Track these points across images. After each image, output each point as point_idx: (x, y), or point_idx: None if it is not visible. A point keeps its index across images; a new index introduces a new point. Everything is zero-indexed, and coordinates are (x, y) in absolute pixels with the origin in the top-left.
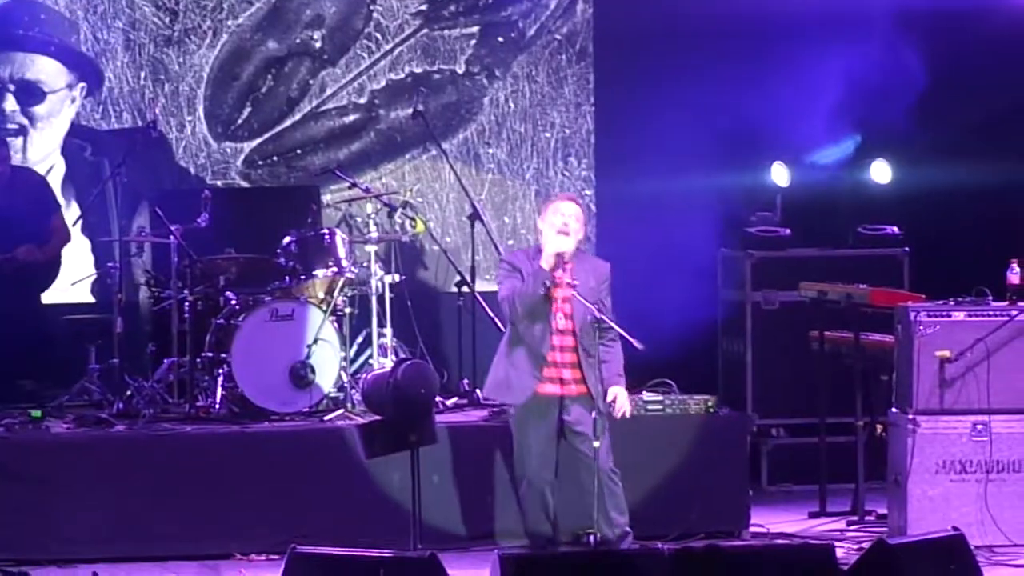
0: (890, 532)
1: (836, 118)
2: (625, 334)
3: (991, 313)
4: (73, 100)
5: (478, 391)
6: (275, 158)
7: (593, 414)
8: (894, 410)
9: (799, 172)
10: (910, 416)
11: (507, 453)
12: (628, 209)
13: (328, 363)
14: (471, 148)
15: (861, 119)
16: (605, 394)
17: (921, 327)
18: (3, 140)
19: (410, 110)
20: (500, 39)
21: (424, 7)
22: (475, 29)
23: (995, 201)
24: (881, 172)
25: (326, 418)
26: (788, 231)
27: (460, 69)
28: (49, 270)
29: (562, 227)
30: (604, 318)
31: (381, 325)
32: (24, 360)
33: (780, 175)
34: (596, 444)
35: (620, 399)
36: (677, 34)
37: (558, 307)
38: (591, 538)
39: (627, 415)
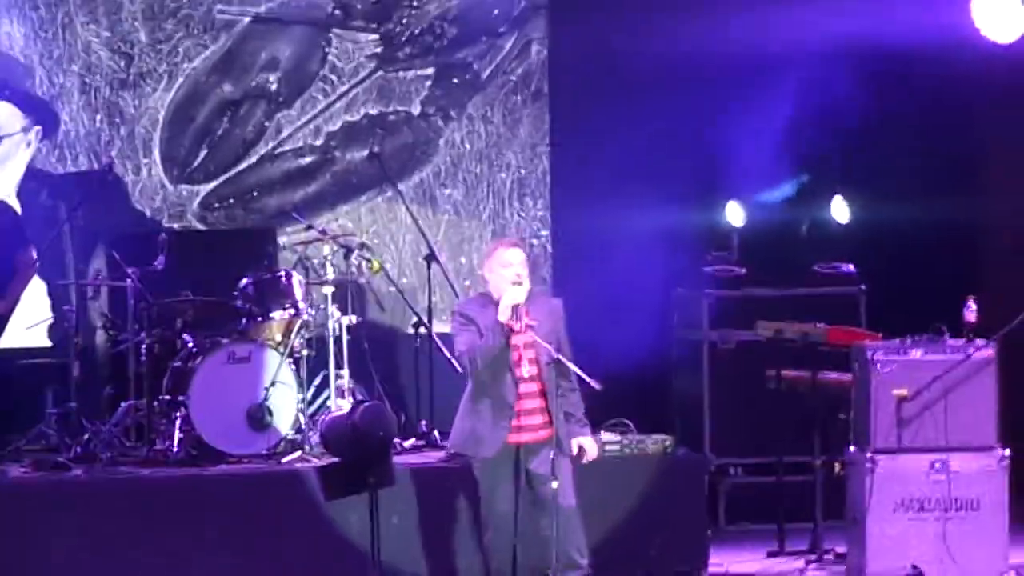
0: (849, 571)
1: (789, 156)
2: (583, 375)
3: (948, 351)
4: (28, 144)
5: (436, 432)
6: (231, 200)
7: (551, 454)
8: (852, 449)
9: (754, 211)
10: (868, 455)
11: (467, 494)
12: (584, 248)
13: (286, 405)
14: (427, 189)
15: (816, 156)
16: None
17: (878, 365)
18: None
19: (366, 152)
20: (455, 80)
21: (379, 49)
22: (430, 71)
23: (952, 239)
24: (839, 210)
25: (284, 460)
26: (744, 270)
27: (416, 110)
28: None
29: (515, 278)
30: (562, 359)
31: (339, 367)
32: None
33: (735, 214)
34: (554, 485)
35: (588, 448)
36: (631, 74)
37: (521, 356)
38: None
39: (594, 459)
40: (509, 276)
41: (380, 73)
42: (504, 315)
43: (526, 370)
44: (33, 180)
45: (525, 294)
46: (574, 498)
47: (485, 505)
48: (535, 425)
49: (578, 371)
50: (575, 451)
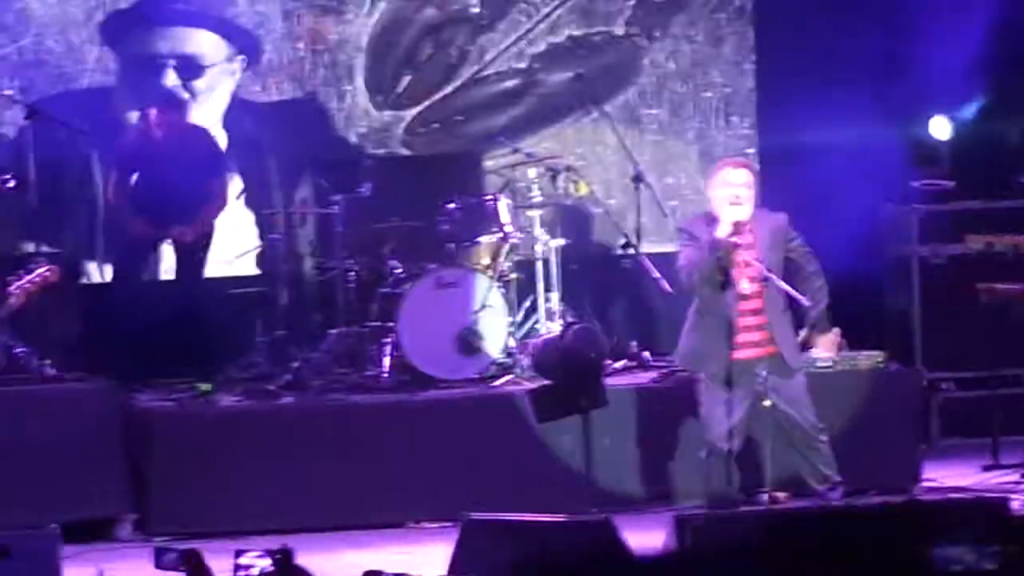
0: None
1: (995, 66)
2: (792, 291)
3: None
4: (233, 73)
5: (646, 353)
6: (436, 125)
7: (764, 372)
8: None
9: (960, 124)
10: None
11: (680, 414)
12: (791, 165)
13: (495, 329)
14: (632, 110)
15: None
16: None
17: None
18: (176, 102)
19: (570, 74)
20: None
21: None
22: None
23: None
24: None
25: (495, 384)
26: (952, 184)
27: (619, 31)
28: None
29: (733, 199)
30: (771, 276)
31: (547, 290)
32: (191, 334)
33: (941, 128)
34: (766, 403)
35: (825, 343)
36: None
37: (740, 272)
38: (765, 496)
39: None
40: (727, 196)
41: None
42: (723, 231)
43: (746, 286)
44: (238, 110)
45: (746, 213)
46: (814, 415)
47: (706, 423)
48: (755, 341)
49: (786, 287)
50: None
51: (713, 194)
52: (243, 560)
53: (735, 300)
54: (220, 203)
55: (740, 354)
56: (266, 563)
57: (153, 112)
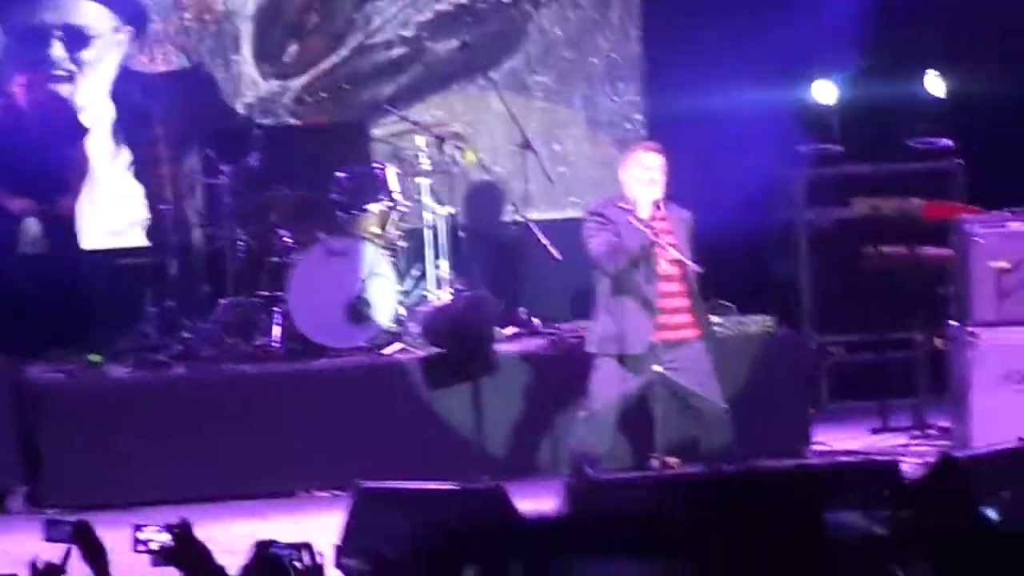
0: (954, 445)
1: (881, 32)
2: (691, 264)
3: None
4: (119, 44)
5: (535, 319)
6: (323, 95)
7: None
8: (953, 323)
9: (846, 88)
10: (969, 328)
11: (569, 381)
12: (678, 132)
13: (385, 298)
14: (519, 77)
15: (909, 31)
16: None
17: (977, 238)
18: (43, 71)
19: (456, 42)
20: None
21: None
22: None
23: None
24: (934, 85)
25: (385, 352)
26: (839, 148)
27: None
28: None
29: (650, 180)
30: (696, 268)
31: (436, 258)
32: (80, 306)
33: (826, 92)
34: (658, 368)
35: None
36: None
37: (660, 253)
38: (656, 462)
39: None
40: (644, 177)
41: None
42: (644, 212)
43: (665, 267)
44: (125, 81)
45: (660, 193)
46: (720, 397)
47: (595, 394)
48: (677, 324)
49: (687, 261)
50: None
51: (627, 176)
52: (142, 535)
53: (656, 282)
54: (84, 171)
55: (660, 335)
56: (165, 537)
57: (19, 81)
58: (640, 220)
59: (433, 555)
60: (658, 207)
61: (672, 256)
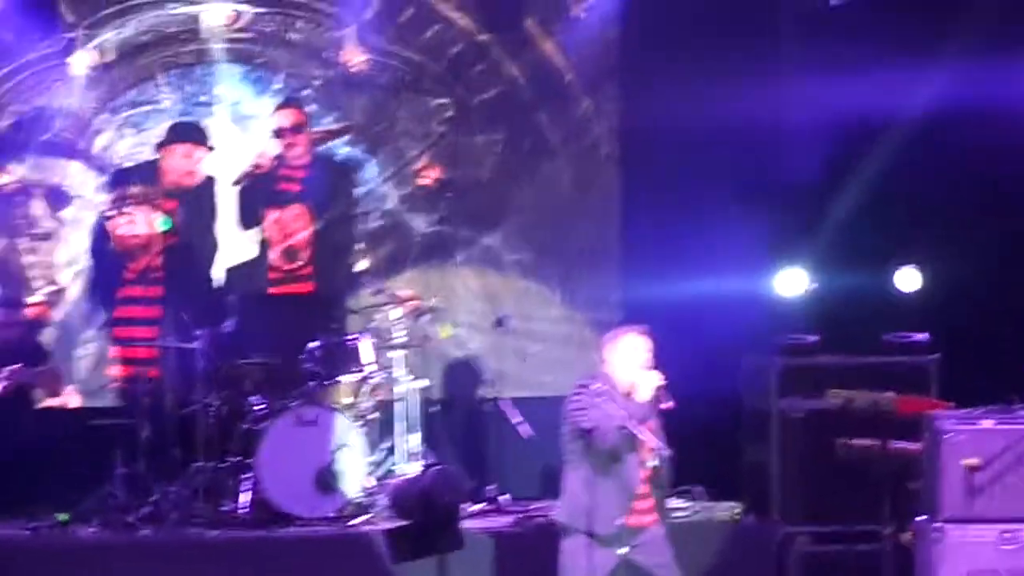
0: None
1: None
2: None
3: (1020, 421)
4: (100, 204)
5: (504, 497)
6: (301, 263)
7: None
8: (921, 518)
9: (824, 278)
10: (937, 524)
11: (536, 559)
12: (654, 314)
13: (354, 468)
14: (495, 254)
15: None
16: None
17: (948, 435)
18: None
19: (436, 216)
20: (526, 145)
21: (450, 113)
22: (501, 136)
23: None
24: (908, 279)
25: (352, 523)
26: (815, 338)
27: (485, 175)
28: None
29: (645, 363)
30: (667, 452)
31: (407, 430)
32: (48, 463)
33: (798, 282)
34: (622, 551)
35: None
36: (697, 139)
37: (650, 442)
38: None
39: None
40: (641, 361)
41: (451, 137)
42: (647, 395)
43: (650, 461)
44: (104, 240)
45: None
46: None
47: (566, 569)
48: (646, 508)
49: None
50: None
51: (617, 359)
52: None
53: (639, 471)
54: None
55: (631, 520)
56: None
57: None
58: (642, 406)
59: None
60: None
61: (650, 443)
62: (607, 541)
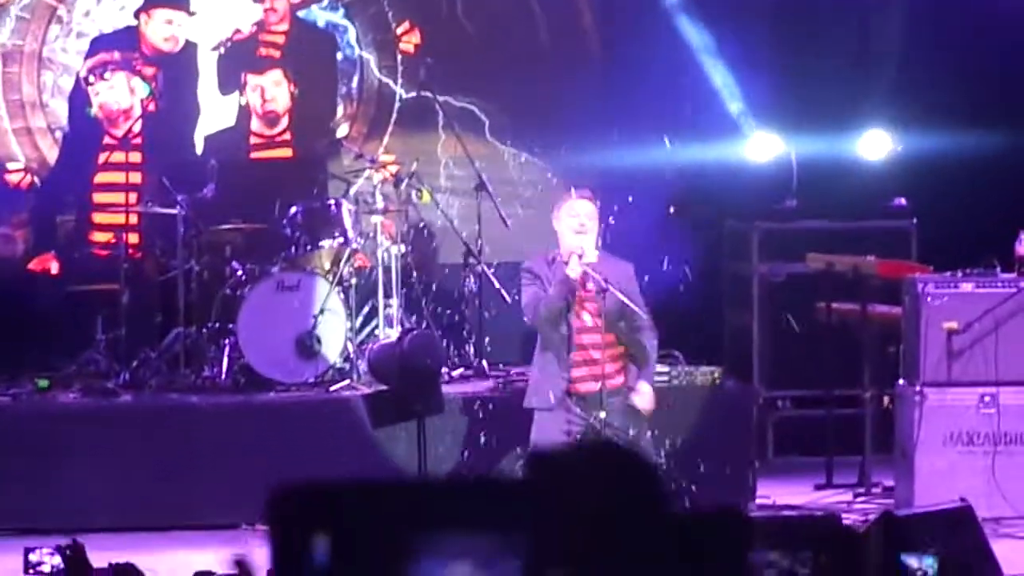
0: (897, 504)
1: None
2: (637, 309)
3: (1000, 284)
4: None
5: (484, 362)
6: (281, 128)
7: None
8: (901, 382)
9: (800, 142)
10: (917, 388)
11: (514, 423)
12: (634, 180)
13: (334, 333)
14: (478, 119)
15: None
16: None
17: (929, 298)
18: None
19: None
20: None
21: None
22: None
23: (1004, 171)
24: (876, 144)
25: (332, 388)
26: (795, 203)
27: (465, 41)
28: None
29: (579, 227)
30: (636, 309)
31: (387, 296)
32: (30, 330)
33: (778, 146)
34: (601, 414)
35: (639, 399)
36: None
37: (583, 307)
38: None
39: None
40: (572, 224)
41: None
42: (574, 271)
43: (588, 319)
44: (83, 96)
45: (590, 243)
46: (653, 454)
47: (535, 439)
48: (597, 375)
49: (635, 307)
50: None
51: (558, 225)
52: (33, 557)
53: (575, 335)
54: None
55: (580, 387)
56: (56, 560)
57: None
58: (566, 278)
59: (284, 520)
60: (585, 262)
61: (593, 309)
62: (554, 415)
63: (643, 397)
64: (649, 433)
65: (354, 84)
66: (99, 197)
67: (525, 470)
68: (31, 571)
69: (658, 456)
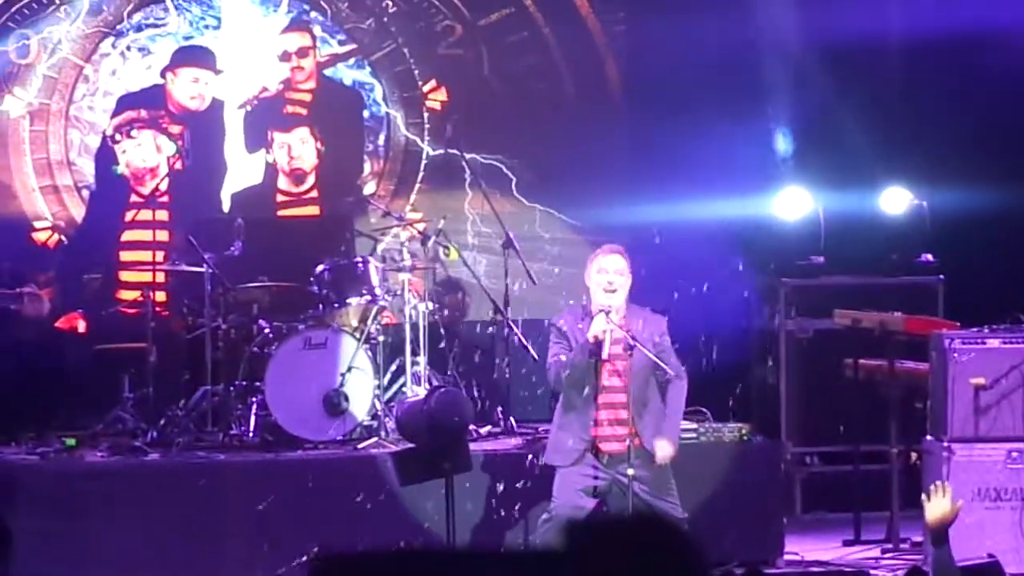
0: (925, 560)
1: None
2: (666, 366)
3: None
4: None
5: (511, 419)
6: (310, 186)
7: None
8: (929, 438)
9: (829, 201)
10: (945, 443)
11: (542, 481)
12: (663, 236)
13: (362, 391)
14: (507, 178)
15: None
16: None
17: (956, 354)
18: None
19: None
20: (533, 67)
21: None
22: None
23: None
24: (895, 200)
25: (360, 446)
26: (823, 259)
27: (491, 98)
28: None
29: (607, 285)
30: (664, 366)
31: (415, 353)
32: (57, 389)
33: (807, 202)
34: (630, 472)
35: (659, 451)
36: (703, 67)
37: (611, 365)
38: None
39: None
40: (602, 282)
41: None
42: (601, 327)
43: (615, 379)
44: (109, 160)
45: (620, 300)
46: (680, 509)
47: (557, 496)
48: (619, 435)
49: (663, 365)
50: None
51: (589, 283)
52: None
53: (595, 396)
54: None
55: (604, 446)
56: None
57: None
58: (587, 343)
59: None
60: (623, 314)
61: (619, 368)
62: (576, 474)
63: (661, 448)
64: (674, 488)
65: (381, 141)
66: (126, 255)
67: (558, 540)
68: None
69: (684, 512)
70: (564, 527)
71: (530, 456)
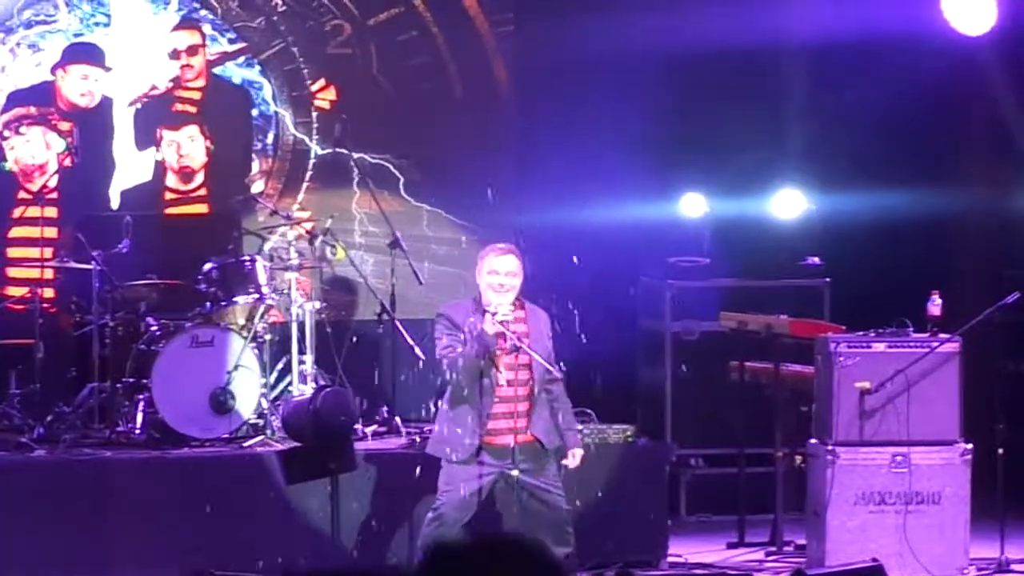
0: (808, 563)
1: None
2: (550, 366)
3: (911, 344)
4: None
5: (397, 419)
6: (197, 184)
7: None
8: (813, 441)
9: (716, 202)
10: (829, 447)
11: (427, 480)
12: (548, 239)
13: (248, 389)
14: (393, 174)
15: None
16: (561, 438)
17: (841, 358)
18: None
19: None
20: (423, 67)
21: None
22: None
23: (917, 232)
24: (788, 203)
25: (246, 444)
26: (708, 260)
27: (380, 98)
28: None
29: (498, 286)
30: (552, 369)
31: (301, 352)
32: None
33: (694, 206)
34: (514, 473)
35: (573, 459)
36: (593, 64)
37: (500, 362)
38: None
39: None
40: (492, 283)
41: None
42: (491, 328)
43: (505, 376)
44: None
45: (510, 299)
46: (565, 500)
47: (444, 503)
48: (509, 428)
49: (548, 365)
50: (569, 459)
51: (480, 280)
52: None
53: (492, 390)
54: None
55: (496, 440)
56: None
57: None
58: (484, 334)
59: None
60: (506, 324)
61: (522, 360)
62: (466, 469)
63: (575, 459)
64: (560, 479)
65: (269, 140)
66: (13, 252)
67: (423, 565)
68: None
69: (571, 504)
70: (427, 550)
71: (417, 457)
